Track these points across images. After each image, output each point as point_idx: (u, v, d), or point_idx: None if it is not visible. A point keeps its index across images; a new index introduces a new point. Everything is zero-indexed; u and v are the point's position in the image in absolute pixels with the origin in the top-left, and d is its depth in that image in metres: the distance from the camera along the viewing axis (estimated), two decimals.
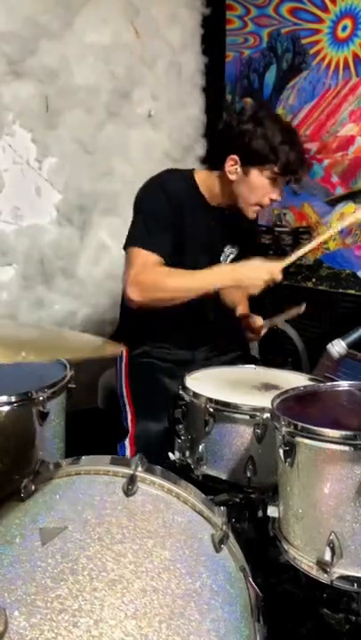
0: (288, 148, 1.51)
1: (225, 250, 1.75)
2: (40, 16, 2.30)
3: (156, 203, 1.60)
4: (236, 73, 2.93)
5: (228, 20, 2.91)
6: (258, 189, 1.58)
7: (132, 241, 1.59)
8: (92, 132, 2.54)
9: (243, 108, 1.63)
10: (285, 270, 1.55)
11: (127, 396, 1.60)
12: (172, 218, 1.60)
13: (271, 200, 1.61)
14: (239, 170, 1.57)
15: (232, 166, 1.58)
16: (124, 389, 1.62)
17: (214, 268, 1.58)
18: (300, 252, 1.56)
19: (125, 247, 1.60)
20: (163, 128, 2.79)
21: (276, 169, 1.53)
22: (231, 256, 1.77)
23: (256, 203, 1.61)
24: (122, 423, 1.54)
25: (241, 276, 1.52)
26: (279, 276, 1.52)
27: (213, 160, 1.70)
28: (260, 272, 1.51)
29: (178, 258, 1.60)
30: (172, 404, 1.51)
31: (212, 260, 1.70)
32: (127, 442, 1.47)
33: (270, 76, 2.75)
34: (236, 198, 1.63)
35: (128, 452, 1.46)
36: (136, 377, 1.66)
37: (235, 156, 1.57)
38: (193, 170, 1.74)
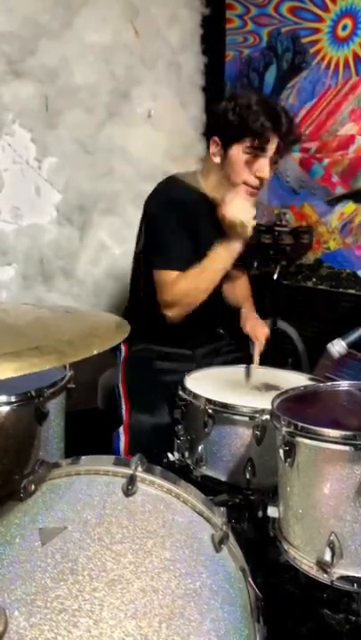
0: (262, 118, 1.52)
1: None
2: (40, 16, 2.30)
3: (172, 217, 1.60)
4: (235, 72, 2.93)
5: (228, 19, 2.91)
6: (239, 166, 1.58)
7: (158, 264, 1.60)
8: (92, 132, 2.54)
9: (233, 93, 1.65)
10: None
11: (122, 387, 1.61)
12: (186, 227, 1.61)
13: (259, 178, 1.59)
14: (221, 151, 1.60)
15: (215, 148, 1.61)
16: (120, 381, 1.63)
17: (215, 253, 1.58)
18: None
19: (153, 269, 1.61)
20: (163, 128, 2.79)
21: (249, 142, 1.54)
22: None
23: (243, 181, 1.60)
24: (117, 414, 1.54)
25: (234, 236, 1.57)
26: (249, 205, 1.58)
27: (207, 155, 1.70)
28: (240, 216, 1.55)
29: (200, 257, 1.62)
30: (170, 398, 1.51)
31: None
32: (121, 430, 1.48)
33: (270, 76, 2.75)
34: (227, 183, 1.63)
35: (122, 442, 1.47)
36: (132, 369, 1.67)
37: (216, 138, 1.60)
38: (196, 172, 1.73)
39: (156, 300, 1.60)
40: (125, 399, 1.56)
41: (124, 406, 1.54)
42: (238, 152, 1.57)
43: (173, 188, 1.67)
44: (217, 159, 1.61)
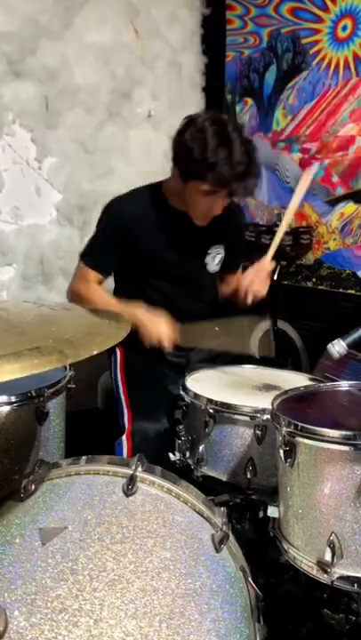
0: (223, 164, 1.44)
1: (210, 251, 1.74)
2: (40, 16, 2.30)
3: (104, 225, 1.71)
4: (236, 73, 2.93)
5: (228, 19, 2.91)
6: (197, 201, 1.56)
7: (81, 255, 1.74)
8: (92, 132, 2.54)
9: (191, 120, 1.55)
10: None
11: (124, 394, 1.61)
12: (118, 238, 1.67)
13: (219, 209, 1.57)
14: (180, 181, 1.57)
15: (176, 175, 1.59)
16: (121, 388, 1.63)
17: (125, 306, 1.60)
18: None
19: (79, 256, 1.76)
20: (163, 128, 2.79)
21: (206, 186, 1.49)
22: (218, 256, 1.76)
23: (200, 213, 1.60)
24: (119, 422, 1.54)
25: (141, 323, 1.54)
26: (167, 346, 1.55)
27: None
28: (152, 332, 1.53)
29: (156, 267, 1.69)
30: (171, 403, 1.52)
31: (198, 261, 1.73)
32: (124, 438, 1.48)
33: (270, 76, 2.75)
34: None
35: (125, 449, 1.46)
36: (132, 375, 1.67)
37: (174, 168, 1.59)
38: (161, 183, 1.73)
39: (143, 301, 1.64)
40: (127, 407, 1.56)
41: (126, 415, 1.54)
42: (196, 189, 1.53)
43: (120, 200, 1.71)
44: (177, 186, 1.60)
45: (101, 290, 1.73)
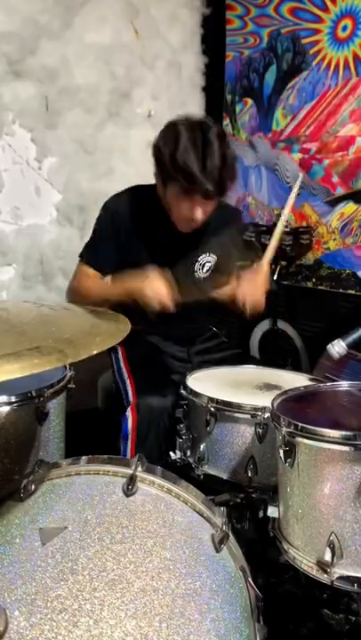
0: (193, 165, 1.44)
1: (199, 259, 1.74)
2: (40, 16, 2.30)
3: (101, 222, 1.71)
4: (236, 73, 2.93)
5: (228, 19, 2.91)
6: (174, 204, 1.56)
7: (80, 255, 1.75)
8: (92, 132, 2.54)
9: (169, 125, 1.55)
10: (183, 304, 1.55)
11: (128, 373, 1.63)
12: (115, 237, 1.67)
13: (197, 214, 1.55)
14: (160, 183, 1.58)
15: (157, 180, 1.60)
16: (125, 371, 1.65)
17: (125, 282, 1.59)
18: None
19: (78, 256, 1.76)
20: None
21: (179, 188, 1.49)
22: (208, 264, 1.76)
23: (181, 217, 1.58)
24: (123, 400, 1.55)
25: (138, 292, 1.52)
26: (169, 307, 1.51)
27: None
28: (151, 297, 1.50)
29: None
30: (175, 388, 1.52)
31: (186, 268, 1.71)
32: (129, 412, 1.49)
33: (270, 76, 2.75)
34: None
35: (130, 422, 1.47)
36: (136, 363, 1.67)
37: (156, 172, 1.58)
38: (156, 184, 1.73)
39: (133, 304, 1.61)
40: (131, 384, 1.57)
41: (130, 390, 1.55)
42: (172, 194, 1.53)
43: (117, 198, 1.72)
44: (160, 191, 1.61)
45: (98, 281, 1.70)
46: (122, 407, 1.53)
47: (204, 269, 1.76)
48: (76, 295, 1.72)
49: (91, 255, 1.71)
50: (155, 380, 1.59)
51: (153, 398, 1.50)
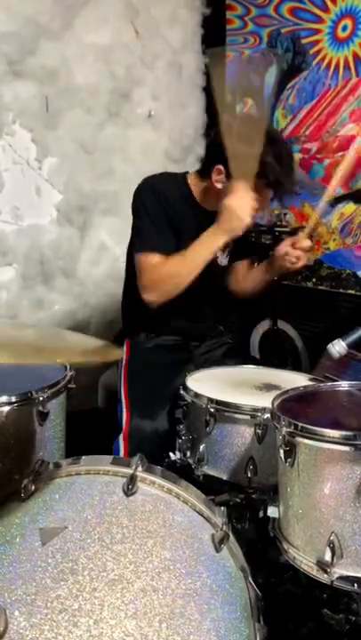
0: (273, 162, 1.50)
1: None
2: (40, 16, 2.30)
3: (153, 205, 1.64)
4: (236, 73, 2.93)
5: (228, 19, 2.91)
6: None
7: (138, 247, 1.65)
8: (92, 132, 2.54)
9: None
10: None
11: (124, 392, 1.61)
12: (168, 218, 1.64)
13: (260, 209, 1.59)
14: (225, 179, 1.59)
15: (218, 176, 1.60)
16: (122, 387, 1.63)
17: (201, 239, 1.57)
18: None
19: (134, 253, 1.66)
20: (163, 128, 2.79)
21: (258, 181, 1.52)
22: (227, 249, 1.78)
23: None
24: (118, 420, 1.54)
25: (222, 231, 1.54)
26: (252, 194, 1.52)
27: (202, 168, 1.71)
28: (232, 212, 1.51)
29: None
30: (171, 403, 1.52)
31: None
32: (121, 438, 1.48)
33: (270, 76, 2.75)
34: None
35: (122, 449, 1.47)
36: (134, 375, 1.67)
37: (220, 167, 1.58)
38: (186, 173, 1.76)
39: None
40: (127, 408, 1.56)
41: (124, 414, 1.54)
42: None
43: (158, 181, 1.70)
44: (219, 185, 1.61)
45: (169, 258, 1.60)
46: (116, 427, 1.53)
47: (224, 255, 1.77)
48: (158, 289, 1.60)
49: (154, 241, 1.62)
50: (150, 397, 1.58)
51: (146, 422, 1.50)
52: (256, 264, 1.90)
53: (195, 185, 1.71)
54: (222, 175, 1.59)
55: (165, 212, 1.64)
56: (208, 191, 1.68)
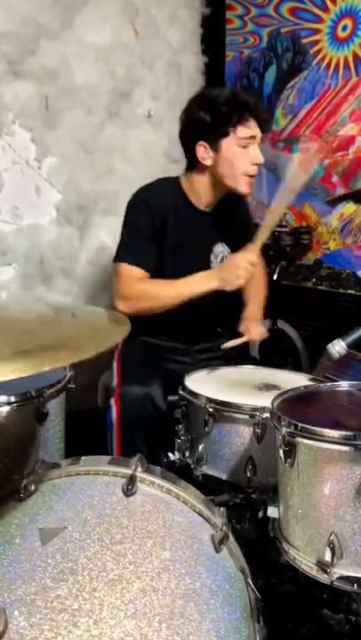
0: (235, 104, 1.58)
1: (214, 249, 1.76)
2: (40, 16, 2.30)
3: (140, 218, 1.66)
4: (236, 73, 2.93)
5: (228, 19, 2.91)
6: (235, 158, 1.61)
7: (119, 256, 1.68)
8: (92, 132, 2.54)
9: (193, 97, 1.72)
10: (261, 249, 1.60)
11: (117, 362, 1.64)
12: (154, 230, 1.66)
13: (256, 165, 1.63)
14: (210, 152, 1.63)
15: (203, 152, 1.64)
16: (115, 358, 1.66)
17: (194, 276, 1.61)
18: (267, 226, 1.60)
19: (114, 260, 1.69)
20: (163, 128, 2.79)
21: (237, 130, 1.58)
22: (221, 255, 1.78)
23: (242, 173, 1.63)
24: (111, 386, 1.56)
25: (216, 278, 1.58)
26: (255, 259, 1.57)
27: (188, 160, 1.74)
28: (235, 268, 1.55)
29: (163, 261, 1.68)
30: (163, 380, 1.53)
31: (201, 260, 1.74)
32: (112, 402, 1.50)
33: (270, 76, 2.75)
34: (222, 186, 1.67)
35: (114, 413, 1.48)
36: (128, 349, 1.68)
37: (202, 142, 1.63)
38: (179, 177, 1.77)
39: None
40: (117, 371, 1.58)
41: (115, 378, 1.56)
42: (229, 147, 1.61)
43: (149, 191, 1.71)
44: (208, 162, 1.64)
45: (153, 281, 1.64)
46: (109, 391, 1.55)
47: (218, 260, 1.77)
48: (129, 302, 1.61)
49: (134, 254, 1.64)
50: (141, 369, 1.59)
51: (135, 387, 1.49)
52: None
53: (188, 187, 1.73)
54: (207, 149, 1.63)
55: (153, 225, 1.65)
56: (199, 182, 1.69)
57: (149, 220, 1.65)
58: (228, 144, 1.60)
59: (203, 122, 1.60)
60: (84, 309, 1.03)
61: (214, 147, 1.62)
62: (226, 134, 1.60)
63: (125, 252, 1.67)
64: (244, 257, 1.55)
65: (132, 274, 1.64)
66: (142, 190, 1.71)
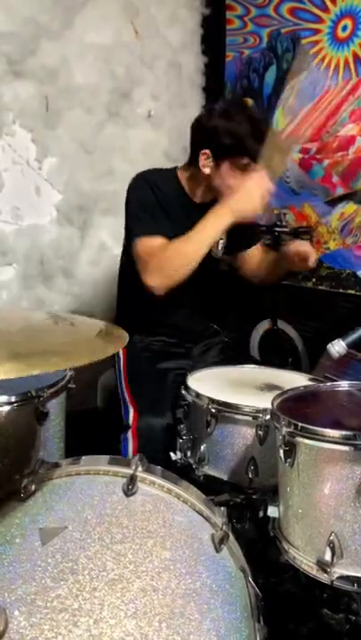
0: (253, 140, 1.57)
1: None
2: (40, 16, 2.30)
3: (143, 194, 1.67)
4: (236, 73, 2.93)
5: (228, 19, 2.91)
6: (232, 180, 1.61)
7: (134, 233, 1.65)
8: (92, 132, 2.54)
9: (214, 105, 1.71)
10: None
11: (127, 391, 1.61)
12: (160, 206, 1.66)
13: None
14: (212, 163, 1.63)
15: (205, 160, 1.64)
16: (124, 385, 1.64)
17: (208, 217, 1.57)
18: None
19: (132, 240, 1.65)
20: (163, 128, 2.79)
21: (245, 160, 1.58)
22: (221, 242, 1.77)
23: (232, 194, 1.61)
24: (122, 418, 1.54)
25: (230, 212, 1.55)
26: (268, 182, 1.56)
27: (190, 156, 1.74)
28: (248, 196, 1.54)
29: None
30: (173, 400, 1.52)
31: None
32: (130, 435, 1.48)
33: (270, 76, 2.75)
34: (216, 192, 1.67)
35: (131, 446, 1.47)
36: (135, 374, 1.67)
37: (207, 151, 1.62)
38: (176, 168, 1.79)
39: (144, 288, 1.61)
40: (132, 403, 1.56)
41: (131, 412, 1.53)
42: (231, 167, 1.62)
43: (149, 175, 1.72)
44: (207, 170, 1.65)
45: (172, 241, 1.58)
46: (120, 424, 1.53)
47: (219, 247, 1.76)
48: (160, 272, 1.56)
49: (153, 226, 1.63)
50: (154, 394, 1.59)
51: (154, 420, 1.50)
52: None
53: (184, 178, 1.74)
54: (210, 159, 1.63)
55: (158, 200, 1.66)
56: (197, 180, 1.70)
57: (152, 196, 1.67)
58: (229, 165, 1.62)
59: (217, 136, 1.60)
60: (84, 320, 1.04)
61: (216, 161, 1.63)
62: (232, 156, 1.61)
63: (138, 227, 1.64)
64: (255, 180, 1.54)
65: (152, 244, 1.60)
66: (141, 173, 1.73)
